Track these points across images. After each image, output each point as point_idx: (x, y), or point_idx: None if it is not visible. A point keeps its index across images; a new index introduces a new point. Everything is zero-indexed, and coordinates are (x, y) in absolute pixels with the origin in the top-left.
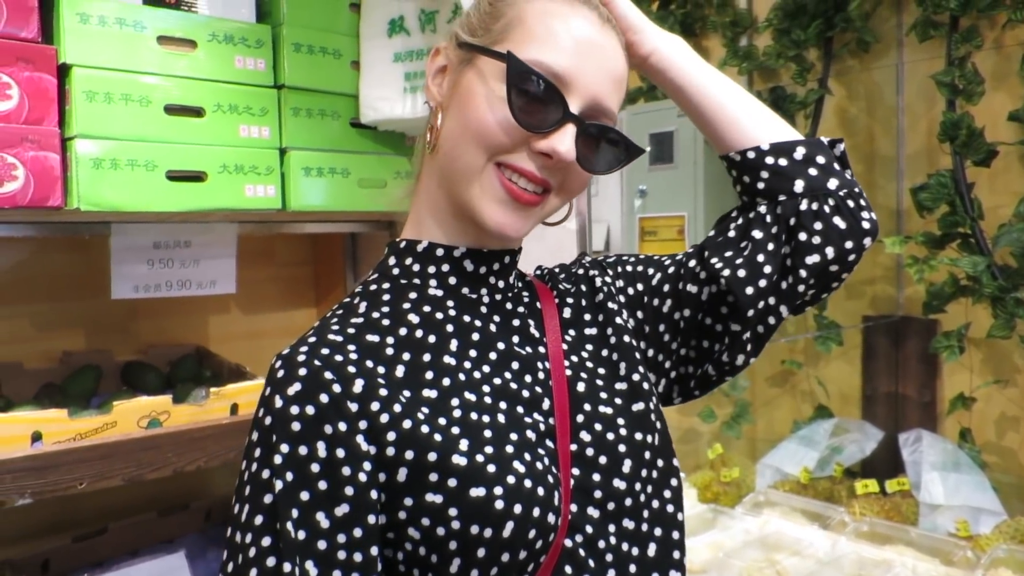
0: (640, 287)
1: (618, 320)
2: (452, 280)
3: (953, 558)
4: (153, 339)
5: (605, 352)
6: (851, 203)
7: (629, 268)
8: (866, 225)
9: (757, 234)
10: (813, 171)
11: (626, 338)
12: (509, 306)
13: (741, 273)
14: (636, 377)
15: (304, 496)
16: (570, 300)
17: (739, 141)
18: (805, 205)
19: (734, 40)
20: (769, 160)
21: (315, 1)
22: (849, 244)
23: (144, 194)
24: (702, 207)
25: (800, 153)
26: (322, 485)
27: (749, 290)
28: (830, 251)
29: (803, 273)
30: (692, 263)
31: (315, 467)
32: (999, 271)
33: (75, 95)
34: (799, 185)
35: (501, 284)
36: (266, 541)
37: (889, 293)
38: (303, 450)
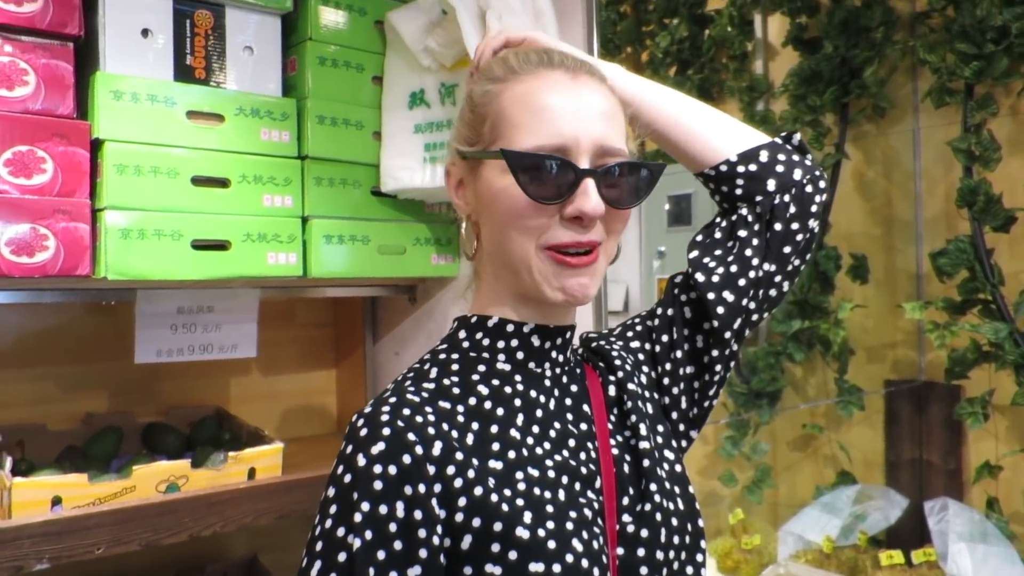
0: (653, 337)
1: (632, 385)
2: (520, 355)
3: None
4: (174, 400)
5: (641, 428)
6: (810, 188)
7: (640, 328)
8: (817, 200)
9: (742, 233)
10: (780, 168)
11: (650, 408)
12: (565, 380)
13: (733, 268)
14: (661, 440)
15: (381, 555)
16: (612, 379)
17: (709, 158)
18: (779, 199)
19: (751, 105)
20: (740, 168)
21: (339, 75)
22: (811, 222)
23: (170, 263)
24: None
25: (765, 156)
26: (398, 545)
27: (741, 281)
28: (795, 225)
29: (781, 255)
30: (680, 279)
31: (393, 527)
32: (1022, 338)
33: (106, 168)
34: (771, 184)
35: (560, 359)
36: None
37: (911, 358)
38: (383, 509)
